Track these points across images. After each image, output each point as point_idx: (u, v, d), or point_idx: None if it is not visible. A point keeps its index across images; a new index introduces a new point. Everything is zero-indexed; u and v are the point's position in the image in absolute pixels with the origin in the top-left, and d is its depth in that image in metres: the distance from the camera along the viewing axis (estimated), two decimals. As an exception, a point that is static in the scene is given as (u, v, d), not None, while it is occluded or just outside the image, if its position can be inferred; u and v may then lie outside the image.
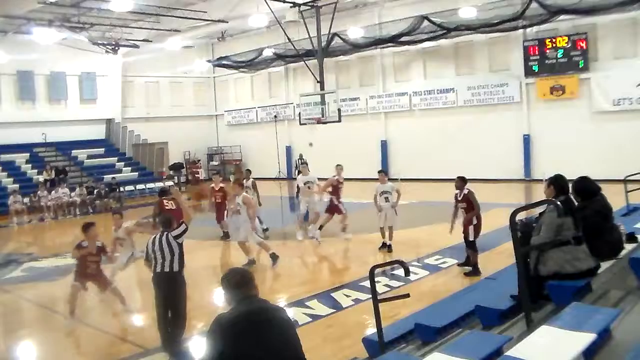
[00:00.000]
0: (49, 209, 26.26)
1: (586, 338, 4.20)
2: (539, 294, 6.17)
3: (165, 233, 8.80)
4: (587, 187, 7.25)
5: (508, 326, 5.92)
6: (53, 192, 26.87)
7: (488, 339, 5.17)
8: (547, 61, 26.34)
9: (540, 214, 6.79)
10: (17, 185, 27.96)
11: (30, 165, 31.36)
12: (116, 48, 30.76)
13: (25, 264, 16.71)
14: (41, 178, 29.04)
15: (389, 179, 16.69)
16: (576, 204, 6.92)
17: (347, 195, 20.00)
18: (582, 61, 25.51)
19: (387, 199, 15.26)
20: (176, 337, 8.71)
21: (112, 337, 9.86)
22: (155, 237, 8.84)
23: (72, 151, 33.67)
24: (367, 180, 30.34)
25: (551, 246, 6.26)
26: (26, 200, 26.31)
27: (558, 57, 26.01)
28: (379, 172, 16.10)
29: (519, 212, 5.80)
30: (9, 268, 16.15)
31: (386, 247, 15.15)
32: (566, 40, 25.72)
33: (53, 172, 29.74)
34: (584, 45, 25.40)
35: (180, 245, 8.83)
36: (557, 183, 6.85)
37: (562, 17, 24.87)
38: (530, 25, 26.13)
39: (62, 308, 11.96)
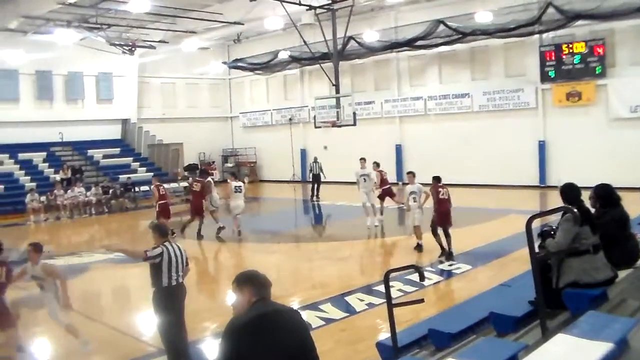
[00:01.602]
0: (65, 208, 26.41)
1: (603, 347, 4.17)
2: (555, 302, 6.13)
3: (174, 243, 8.54)
4: (611, 194, 7.16)
5: (523, 333, 5.88)
6: (69, 191, 27.00)
7: (503, 346, 5.14)
8: (563, 67, 26.16)
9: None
10: (34, 184, 28.10)
11: (47, 164, 31.53)
12: (133, 49, 30.89)
13: (42, 261, 16.73)
14: (58, 177, 29.17)
15: (403, 184, 16.72)
16: (593, 210, 6.86)
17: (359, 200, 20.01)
18: (600, 67, 25.29)
19: (414, 199, 15.29)
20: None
21: (127, 337, 9.90)
22: (172, 246, 8.34)
23: (88, 151, 33.84)
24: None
25: (568, 254, 6.22)
26: (43, 198, 26.43)
27: (575, 62, 25.80)
28: (408, 173, 16.16)
29: (535, 218, 5.77)
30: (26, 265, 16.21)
31: (419, 247, 15.26)
32: (583, 46, 25.52)
33: (69, 171, 29.88)
34: (601, 51, 25.19)
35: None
36: (568, 192, 6.74)
37: (579, 22, 24.70)
38: (547, 31, 25.96)
39: (77, 306, 12.03)
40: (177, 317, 8.30)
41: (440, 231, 14.47)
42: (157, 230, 8.51)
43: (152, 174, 33.13)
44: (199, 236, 18.81)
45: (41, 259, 9.71)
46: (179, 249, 8.34)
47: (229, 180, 20.09)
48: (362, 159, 20.32)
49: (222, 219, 19.12)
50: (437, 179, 15.02)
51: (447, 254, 14.26)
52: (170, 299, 8.21)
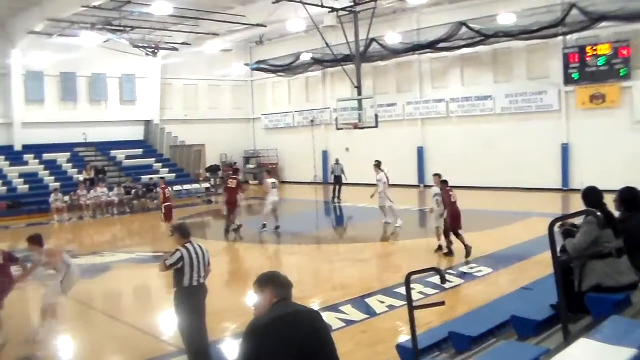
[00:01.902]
0: (88, 208, 26.63)
1: (626, 353, 4.12)
2: (578, 306, 6.08)
3: (195, 243, 8.52)
4: (636, 198, 7.05)
5: (544, 338, 5.83)
6: (92, 191, 27.23)
7: (524, 350, 5.12)
8: (587, 69, 25.91)
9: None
10: (58, 184, 28.35)
11: (71, 164, 31.85)
12: (156, 51, 31.06)
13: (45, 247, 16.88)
14: (81, 177, 29.44)
15: (425, 186, 16.75)
16: (617, 214, 6.79)
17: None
18: (625, 69, 25.02)
19: (437, 202, 15.28)
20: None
21: (148, 336, 9.94)
22: (194, 246, 8.34)
23: (112, 151, 34.11)
24: (403, 187, 30.39)
25: (591, 257, 6.17)
26: (67, 198, 26.68)
27: (599, 65, 25.57)
28: (434, 175, 16.09)
29: (558, 222, 5.73)
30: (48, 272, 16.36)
31: (440, 249, 15.33)
32: (608, 47, 25.27)
33: (93, 171, 30.12)
34: (626, 53, 24.93)
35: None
36: (590, 196, 6.69)
37: (603, 24, 24.45)
38: (571, 33, 25.73)
39: (100, 305, 12.16)
40: (197, 318, 8.29)
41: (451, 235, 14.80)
42: (178, 231, 8.59)
43: (174, 175, 33.46)
44: (229, 231, 19.55)
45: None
46: (201, 250, 8.33)
47: (265, 179, 21.25)
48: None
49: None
50: (445, 182, 15.26)
51: (468, 252, 14.44)
52: (191, 299, 8.24)
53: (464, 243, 14.58)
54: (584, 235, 6.25)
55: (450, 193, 14.92)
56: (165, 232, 19.53)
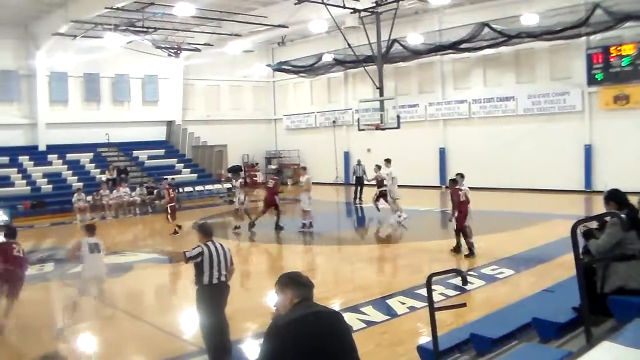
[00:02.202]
0: (110, 208, 26.81)
1: (649, 356, 4.10)
2: (600, 309, 6.04)
3: (217, 242, 8.71)
4: None
5: (567, 340, 5.80)
6: (114, 191, 27.40)
7: (545, 353, 5.10)
8: (611, 69, 25.68)
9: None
10: (81, 184, 28.56)
11: (93, 164, 32.13)
12: (178, 52, 31.23)
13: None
14: (104, 177, 29.64)
15: (446, 187, 16.79)
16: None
17: (404, 203, 20.00)
18: (649, 70, 24.86)
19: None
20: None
21: (168, 335, 9.99)
22: (215, 245, 8.52)
23: (134, 152, 34.35)
24: (424, 188, 30.33)
25: (614, 259, 6.12)
26: (89, 198, 26.87)
27: (623, 65, 25.35)
28: (457, 174, 16.08)
29: (580, 224, 5.70)
30: (72, 263, 16.51)
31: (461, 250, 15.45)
32: (632, 47, 25.02)
33: (115, 171, 30.31)
34: (651, 53, 24.77)
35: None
36: (614, 198, 6.66)
37: (628, 23, 24.20)
38: (594, 33, 25.51)
39: (121, 304, 12.25)
40: (217, 315, 8.44)
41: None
42: (201, 230, 8.77)
43: (196, 175, 33.62)
44: (278, 227, 20.28)
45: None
46: (222, 248, 8.48)
47: (304, 175, 21.85)
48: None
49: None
50: (454, 181, 15.56)
51: (471, 250, 14.95)
52: (211, 297, 8.39)
53: (467, 242, 15.05)
54: (608, 236, 6.22)
55: (459, 192, 15.10)
56: (186, 232, 19.69)
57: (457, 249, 15.34)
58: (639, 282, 6.01)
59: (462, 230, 15.06)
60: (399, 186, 20.93)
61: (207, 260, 8.29)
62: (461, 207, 15.00)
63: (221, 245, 8.59)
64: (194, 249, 8.41)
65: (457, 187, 15.25)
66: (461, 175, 15.83)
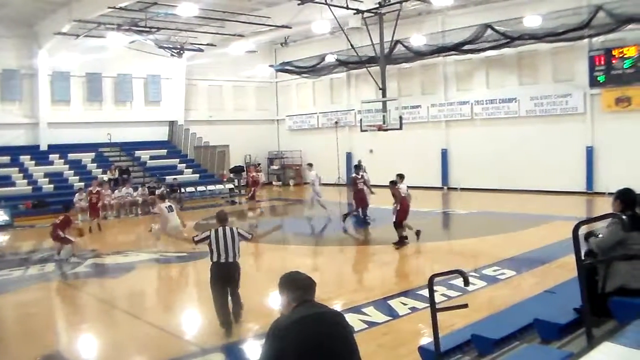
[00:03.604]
0: (112, 208, 26.80)
1: (651, 358, 4.10)
2: (602, 310, 6.04)
3: (228, 227, 10.00)
4: None
5: (568, 341, 5.80)
6: (116, 191, 27.41)
7: (547, 354, 5.10)
8: (613, 72, 25.67)
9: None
10: (82, 184, 28.51)
11: (95, 164, 32.12)
12: (181, 52, 31.29)
13: (89, 260, 17.11)
14: (105, 177, 29.63)
15: (448, 188, 17.05)
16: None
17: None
18: (651, 72, 24.83)
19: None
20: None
21: (170, 335, 10.00)
22: (224, 229, 9.89)
23: (136, 152, 34.36)
24: (427, 189, 30.32)
25: (616, 258, 6.12)
26: (82, 198, 26.78)
27: (625, 67, 25.34)
28: (396, 177, 17.80)
29: (582, 225, 5.69)
30: (74, 264, 16.55)
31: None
32: (634, 50, 25.01)
33: (117, 171, 30.32)
34: (653, 55, 24.73)
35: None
36: (623, 197, 6.66)
37: (630, 26, 24.17)
38: (597, 35, 25.45)
39: (123, 304, 12.27)
40: (219, 289, 9.81)
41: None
42: (216, 217, 10.34)
43: (198, 175, 33.65)
44: (366, 222, 21.53)
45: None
46: (232, 233, 9.85)
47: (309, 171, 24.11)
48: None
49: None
50: (394, 183, 17.42)
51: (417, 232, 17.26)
52: (217, 274, 9.79)
53: (401, 234, 16.88)
54: (609, 234, 6.25)
55: (399, 190, 17.16)
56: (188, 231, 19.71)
57: (401, 242, 16.79)
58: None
59: (401, 224, 16.82)
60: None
61: (214, 242, 9.72)
62: (403, 201, 16.82)
63: (231, 229, 9.91)
64: (203, 232, 10.06)
65: (397, 187, 17.07)
66: (400, 177, 17.82)
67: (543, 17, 25.66)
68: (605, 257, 6.25)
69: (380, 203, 22.47)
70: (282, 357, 4.08)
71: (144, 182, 30.06)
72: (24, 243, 21.51)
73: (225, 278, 9.82)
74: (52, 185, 29.25)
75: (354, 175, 21.04)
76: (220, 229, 9.87)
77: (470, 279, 11.71)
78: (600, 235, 6.41)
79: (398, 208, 16.83)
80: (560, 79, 28.17)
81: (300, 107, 40.77)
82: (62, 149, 31.76)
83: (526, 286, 11.88)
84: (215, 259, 9.76)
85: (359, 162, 22.20)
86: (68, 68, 31.93)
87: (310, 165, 25.50)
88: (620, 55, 25.41)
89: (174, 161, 35.14)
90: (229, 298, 9.93)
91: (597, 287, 6.18)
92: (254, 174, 29.48)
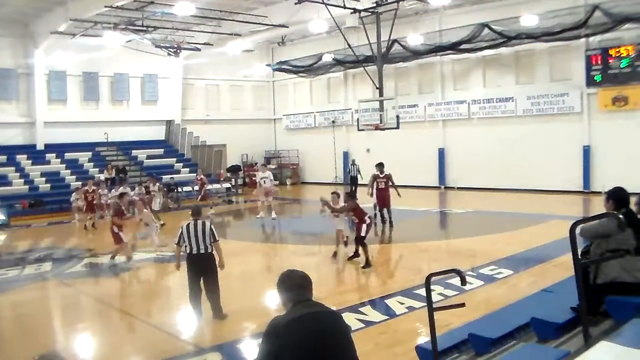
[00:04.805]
0: (109, 207, 26.72)
1: (647, 356, 4.10)
2: (598, 309, 6.05)
3: (200, 220, 10.41)
4: None
5: (565, 340, 5.81)
6: (113, 190, 27.34)
7: (544, 353, 5.10)
8: (610, 71, 25.68)
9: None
10: (79, 183, 28.45)
11: (92, 163, 32.13)
12: (178, 51, 31.22)
13: (86, 259, 17.11)
14: (102, 177, 29.56)
15: (445, 187, 16.86)
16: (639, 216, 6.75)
17: (404, 203, 19.99)
18: (648, 71, 24.84)
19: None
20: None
21: (167, 335, 9.98)
22: (195, 222, 10.30)
23: (133, 151, 34.36)
24: (424, 188, 30.33)
25: (606, 252, 6.15)
26: (78, 197, 26.74)
27: (621, 67, 25.35)
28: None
29: (579, 224, 5.69)
30: (71, 263, 16.54)
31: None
32: (631, 49, 25.01)
33: (114, 171, 30.27)
34: (650, 55, 24.74)
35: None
36: (616, 196, 6.69)
37: (627, 25, 24.22)
38: (594, 34, 25.49)
39: (119, 304, 12.25)
40: (195, 279, 10.27)
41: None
42: (190, 211, 10.80)
43: (195, 174, 33.58)
44: (391, 223, 20.26)
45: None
46: (202, 225, 10.27)
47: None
48: None
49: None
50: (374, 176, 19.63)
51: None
52: (190, 264, 10.32)
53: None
54: (599, 225, 6.31)
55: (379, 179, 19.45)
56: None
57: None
58: (633, 276, 6.06)
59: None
60: (401, 186, 20.89)
61: (185, 235, 10.23)
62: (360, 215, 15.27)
63: (203, 222, 10.33)
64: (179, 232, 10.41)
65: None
66: (380, 166, 19.59)
67: (540, 16, 25.69)
68: (594, 249, 6.28)
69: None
70: (279, 357, 4.08)
71: (141, 181, 29.98)
72: (20, 243, 21.46)
73: (197, 269, 10.24)
74: (48, 185, 29.26)
75: (377, 173, 20.32)
76: (192, 222, 10.30)
77: (468, 278, 11.78)
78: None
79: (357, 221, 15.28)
80: (557, 79, 28.17)
81: (297, 106, 40.72)
82: (59, 149, 31.73)
83: (523, 285, 11.89)
84: (188, 251, 10.27)
85: (381, 163, 20.87)
86: (64, 67, 31.88)
87: (264, 165, 25.68)
88: (617, 55, 25.42)
89: (171, 160, 35.15)
90: (203, 288, 10.35)
91: (589, 279, 6.22)
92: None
